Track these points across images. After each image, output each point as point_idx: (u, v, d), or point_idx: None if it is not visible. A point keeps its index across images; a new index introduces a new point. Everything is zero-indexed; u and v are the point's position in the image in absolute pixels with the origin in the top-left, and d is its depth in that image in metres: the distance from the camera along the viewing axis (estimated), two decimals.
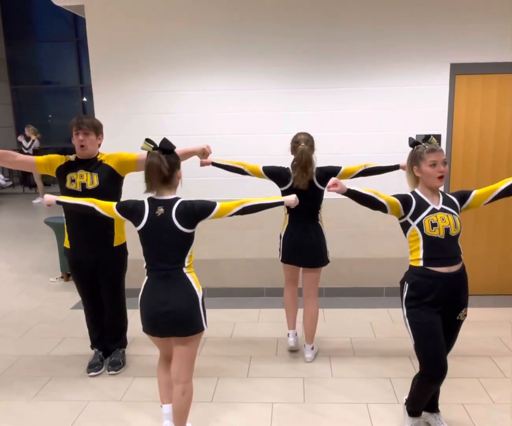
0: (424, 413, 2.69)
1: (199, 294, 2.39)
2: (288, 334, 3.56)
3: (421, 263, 2.42)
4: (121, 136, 4.34)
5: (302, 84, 4.26)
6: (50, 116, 12.99)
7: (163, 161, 2.29)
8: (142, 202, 2.40)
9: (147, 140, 2.36)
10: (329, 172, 3.27)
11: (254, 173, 3.40)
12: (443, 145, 4.22)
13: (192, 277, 2.40)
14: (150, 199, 2.39)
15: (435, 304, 2.40)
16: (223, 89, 4.31)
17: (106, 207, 2.50)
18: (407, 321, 2.47)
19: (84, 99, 12.41)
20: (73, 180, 3.08)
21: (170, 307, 2.31)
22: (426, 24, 4.09)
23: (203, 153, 3.27)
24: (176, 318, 2.33)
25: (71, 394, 3.13)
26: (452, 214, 2.42)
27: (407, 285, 2.46)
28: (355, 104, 4.27)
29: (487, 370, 3.28)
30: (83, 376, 3.34)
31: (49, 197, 2.58)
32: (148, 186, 2.36)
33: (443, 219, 2.39)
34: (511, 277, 4.47)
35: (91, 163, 3.11)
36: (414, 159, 2.50)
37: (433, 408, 2.68)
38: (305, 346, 3.47)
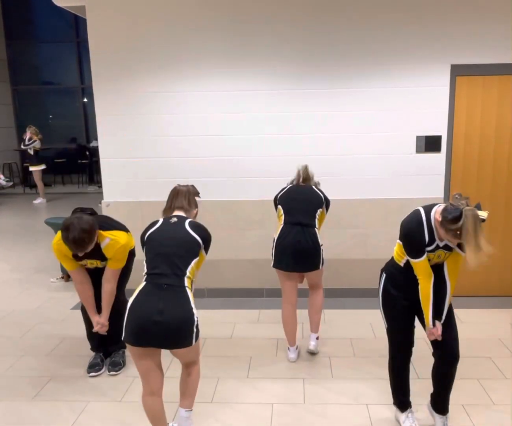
0: (435, 415, 2.66)
1: (195, 313, 2.32)
2: (289, 348, 3.47)
3: (402, 264, 2.54)
4: (121, 137, 4.34)
5: (303, 85, 4.26)
6: (51, 116, 12.97)
7: (190, 191, 2.68)
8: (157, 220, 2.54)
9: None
10: (325, 199, 3.39)
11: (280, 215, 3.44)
12: (443, 146, 4.22)
13: (191, 296, 2.35)
14: (166, 217, 2.56)
15: (409, 298, 2.51)
16: (224, 90, 4.31)
17: None
18: (381, 307, 2.62)
19: (85, 99, 12.41)
20: (85, 265, 3.19)
21: (165, 318, 2.22)
22: (426, 25, 4.10)
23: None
24: (168, 332, 2.24)
25: (71, 394, 3.13)
26: (452, 250, 2.41)
27: (385, 275, 2.62)
28: (355, 105, 4.27)
29: (487, 371, 3.28)
30: (83, 376, 3.34)
31: None
32: (169, 204, 2.63)
33: (439, 256, 2.42)
34: (511, 278, 4.48)
35: (94, 252, 3.05)
36: (443, 218, 2.19)
37: (441, 410, 2.64)
38: (310, 336, 3.49)
